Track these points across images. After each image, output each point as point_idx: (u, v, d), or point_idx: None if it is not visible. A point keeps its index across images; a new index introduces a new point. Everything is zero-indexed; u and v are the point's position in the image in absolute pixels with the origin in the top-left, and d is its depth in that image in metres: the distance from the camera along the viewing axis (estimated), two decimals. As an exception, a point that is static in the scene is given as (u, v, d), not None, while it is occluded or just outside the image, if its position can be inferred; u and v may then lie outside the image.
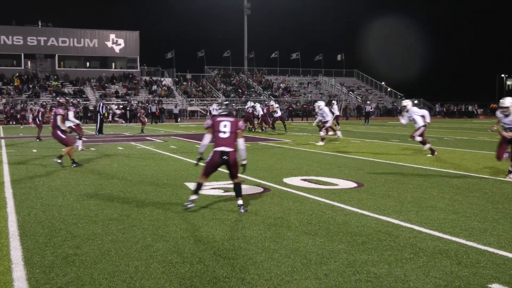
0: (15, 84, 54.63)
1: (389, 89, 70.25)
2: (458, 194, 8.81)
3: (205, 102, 56.15)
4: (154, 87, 58.95)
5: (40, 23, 61.99)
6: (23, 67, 59.30)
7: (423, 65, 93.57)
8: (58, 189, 9.58)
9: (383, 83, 72.30)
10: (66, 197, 8.74)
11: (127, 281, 4.65)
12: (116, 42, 63.12)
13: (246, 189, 9.31)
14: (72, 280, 4.70)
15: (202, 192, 9.01)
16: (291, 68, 72.71)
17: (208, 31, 74.64)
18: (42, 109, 25.19)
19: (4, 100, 49.41)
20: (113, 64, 64.52)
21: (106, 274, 4.85)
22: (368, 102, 49.77)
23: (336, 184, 9.95)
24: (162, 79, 63.26)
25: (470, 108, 64.64)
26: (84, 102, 50.86)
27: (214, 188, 9.51)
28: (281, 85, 66.53)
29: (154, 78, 62.63)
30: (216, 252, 5.52)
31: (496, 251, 5.51)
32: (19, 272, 4.91)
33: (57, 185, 9.99)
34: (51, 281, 4.67)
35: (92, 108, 45.68)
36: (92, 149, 18.14)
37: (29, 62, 60.85)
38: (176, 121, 46.64)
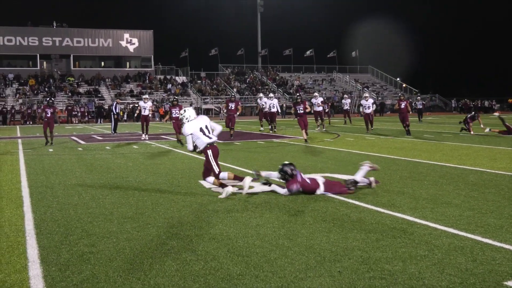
0: (30, 84, 55.07)
1: (404, 85, 69.84)
2: (474, 191, 8.73)
3: (219, 100, 56.20)
4: (169, 86, 59.14)
5: (55, 24, 62.44)
6: (38, 68, 59.78)
7: (438, 60, 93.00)
8: (74, 188, 9.66)
9: (398, 79, 71.92)
10: (81, 195, 8.80)
11: (142, 279, 4.68)
12: (130, 41, 63.41)
13: (261, 186, 9.32)
14: (87, 277, 4.74)
15: (216, 189, 9.07)
16: (305, 65, 72.59)
17: (222, 29, 74.65)
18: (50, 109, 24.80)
19: (20, 101, 49.84)
20: (128, 63, 64.82)
21: (121, 271, 4.88)
22: (419, 97, 47.72)
23: (351, 181, 9.88)
24: (177, 77, 63.46)
25: (486, 103, 63.99)
26: (100, 102, 51.19)
27: (229, 185, 9.50)
28: (295, 82, 66.46)
29: (169, 77, 62.83)
30: (230, 249, 5.53)
31: (512, 247, 5.46)
32: (35, 270, 4.96)
33: (73, 184, 10.07)
34: (67, 279, 4.71)
35: (107, 107, 45.94)
36: (108, 148, 18.23)
37: (44, 62, 61.32)
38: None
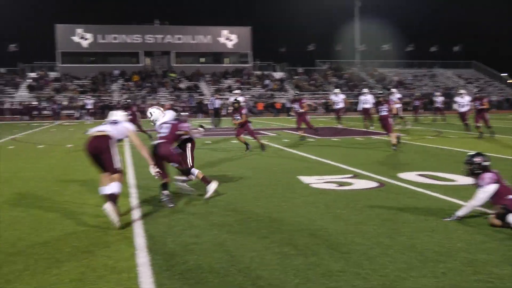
0: (134, 80, 57.37)
1: (509, 81, 66.46)
2: None
3: (317, 95, 56.03)
4: (266, 82, 59.65)
5: (157, 22, 64.62)
6: (142, 64, 62.17)
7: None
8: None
9: (504, 74, 68.50)
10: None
11: (243, 271, 4.78)
12: (228, 38, 64.49)
13: (360, 183, 9.25)
14: (191, 267, 4.91)
15: (316, 185, 9.08)
16: (405, 60, 70.76)
17: (319, 24, 74.27)
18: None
19: (125, 96, 52.04)
20: (226, 59, 65.96)
21: (223, 263, 5.01)
22: None
23: (454, 180, 9.57)
24: (274, 73, 63.88)
25: None
26: (199, 97, 52.47)
27: (328, 182, 9.50)
28: (394, 78, 65.05)
29: (266, 73, 63.37)
30: (330, 245, 5.54)
31: None
32: (142, 258, 5.19)
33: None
34: (172, 268, 4.90)
35: (207, 103, 47.02)
36: (208, 142, 18.67)
37: (147, 59, 63.65)
38: (288, 115, 46.90)
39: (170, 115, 8.71)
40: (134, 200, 8.10)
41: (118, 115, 7.52)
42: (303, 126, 19.15)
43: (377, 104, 16.07)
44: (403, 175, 10.15)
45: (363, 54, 70.28)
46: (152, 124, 9.01)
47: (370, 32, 67.12)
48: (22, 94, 51.92)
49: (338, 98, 25.71)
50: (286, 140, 18.67)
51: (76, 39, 60.32)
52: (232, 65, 64.64)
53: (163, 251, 5.43)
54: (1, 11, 61.96)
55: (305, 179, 9.82)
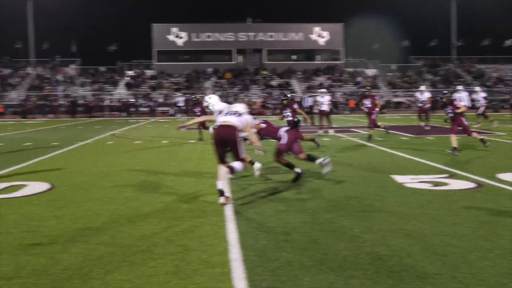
0: (227, 78, 58.35)
1: None
2: None
3: (411, 93, 54.65)
4: (359, 79, 58.89)
5: (250, 20, 65.35)
6: (234, 62, 63.12)
7: None
8: (267, 176, 10.02)
9: None
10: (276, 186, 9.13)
11: (336, 270, 4.74)
12: (320, 34, 64.20)
13: (456, 183, 8.94)
14: (283, 264, 4.92)
15: (410, 185, 8.87)
16: (506, 56, 67.54)
17: (413, 19, 72.17)
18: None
19: (218, 93, 53.02)
20: (318, 56, 65.69)
21: (315, 261, 4.99)
22: None
23: (559, 182, 9.05)
24: (366, 70, 62.94)
25: None
26: (291, 95, 52.56)
27: (422, 181, 9.25)
28: (493, 74, 62.32)
29: (358, 70, 62.56)
30: (425, 247, 5.38)
31: None
32: (235, 254, 5.25)
33: (267, 173, 10.40)
34: (264, 264, 4.93)
35: (298, 100, 47.03)
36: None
37: (239, 57, 64.53)
38: (381, 112, 46.02)
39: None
40: (227, 195, 8.20)
41: (239, 107, 8.20)
42: (377, 123, 18.37)
43: (443, 105, 14.25)
44: (503, 176, 9.69)
45: (460, 49, 67.80)
46: (208, 110, 10.14)
47: (468, 27, 64.73)
48: (121, 92, 54.16)
49: (423, 96, 23.86)
50: (379, 139, 18.33)
51: (171, 37, 62.21)
52: (324, 62, 64.30)
53: (255, 247, 5.47)
54: (102, 13, 64.89)
55: (399, 178, 9.61)
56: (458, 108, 13.75)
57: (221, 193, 7.57)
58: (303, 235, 5.90)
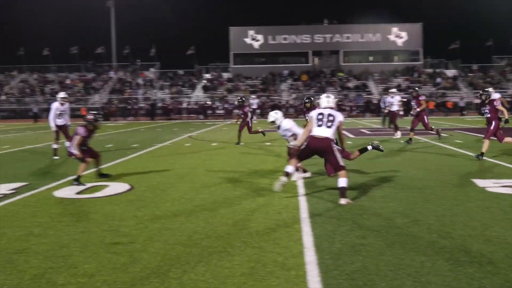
0: (303, 80, 58.29)
1: None
2: None
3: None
4: (438, 80, 57.37)
5: (326, 21, 65.06)
6: (310, 64, 62.97)
7: None
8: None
9: None
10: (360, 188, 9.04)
11: (413, 275, 4.65)
12: (398, 35, 63.03)
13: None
14: (358, 268, 4.87)
15: (492, 189, 8.55)
16: None
17: (496, 17, 69.60)
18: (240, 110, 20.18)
19: (294, 95, 53.01)
20: (395, 57, 64.50)
21: (391, 266, 4.91)
22: None
23: None
24: (446, 71, 61.22)
25: None
26: (367, 96, 51.90)
27: (506, 186, 8.90)
28: None
29: (437, 70, 60.94)
30: (508, 254, 5.18)
31: None
32: (310, 257, 5.24)
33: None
34: (339, 268, 4.89)
35: (376, 102, 46.35)
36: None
37: (315, 58, 64.32)
38: (461, 114, 44.71)
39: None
40: (301, 198, 8.21)
41: (331, 101, 8.41)
42: (433, 127, 17.63)
43: (481, 104, 12.97)
44: None
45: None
46: (271, 126, 10.32)
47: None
48: (198, 94, 55.19)
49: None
50: (458, 141, 17.80)
51: (248, 40, 62.85)
52: (402, 63, 63.10)
53: (330, 250, 5.44)
54: (180, 17, 66.32)
55: (480, 182, 9.29)
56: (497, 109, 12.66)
57: (286, 174, 8.00)
58: (379, 239, 5.81)
